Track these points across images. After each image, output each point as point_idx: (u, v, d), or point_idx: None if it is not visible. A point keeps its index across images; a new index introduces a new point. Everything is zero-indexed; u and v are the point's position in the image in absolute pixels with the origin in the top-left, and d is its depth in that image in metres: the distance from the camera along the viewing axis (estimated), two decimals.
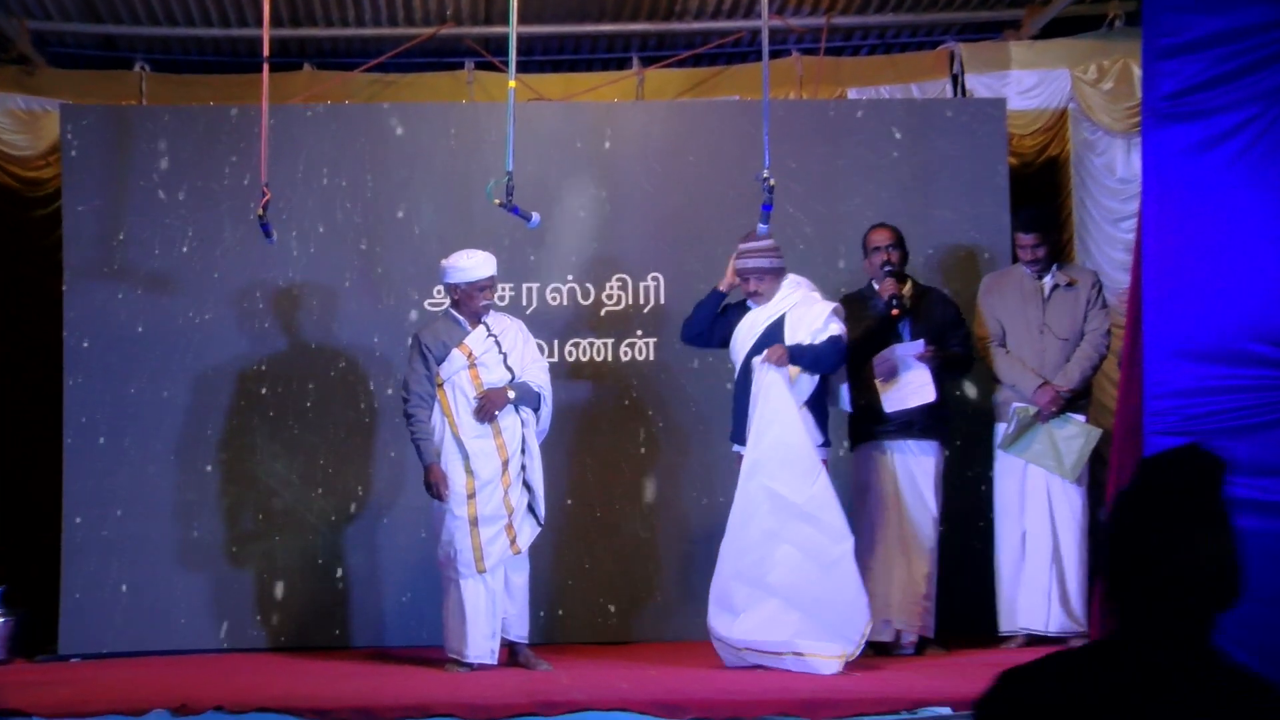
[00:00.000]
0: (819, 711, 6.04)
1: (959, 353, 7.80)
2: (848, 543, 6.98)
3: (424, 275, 8.40)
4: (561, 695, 6.28)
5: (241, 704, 6.15)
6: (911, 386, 7.57)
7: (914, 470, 7.65)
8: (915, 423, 7.62)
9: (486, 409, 7.27)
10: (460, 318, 7.41)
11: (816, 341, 7.31)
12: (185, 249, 8.40)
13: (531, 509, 7.36)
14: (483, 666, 7.19)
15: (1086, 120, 9.05)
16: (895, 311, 7.61)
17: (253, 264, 8.40)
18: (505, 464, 7.28)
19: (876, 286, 7.78)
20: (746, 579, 7.05)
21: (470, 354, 7.33)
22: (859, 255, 8.01)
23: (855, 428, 7.81)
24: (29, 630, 8.19)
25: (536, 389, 7.40)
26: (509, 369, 7.36)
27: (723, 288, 7.55)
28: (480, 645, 7.20)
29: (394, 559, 8.34)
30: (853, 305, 7.79)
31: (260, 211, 7.40)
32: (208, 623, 8.27)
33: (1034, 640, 7.66)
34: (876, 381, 7.58)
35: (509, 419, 7.32)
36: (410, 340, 7.52)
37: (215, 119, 8.52)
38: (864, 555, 7.52)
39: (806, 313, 7.40)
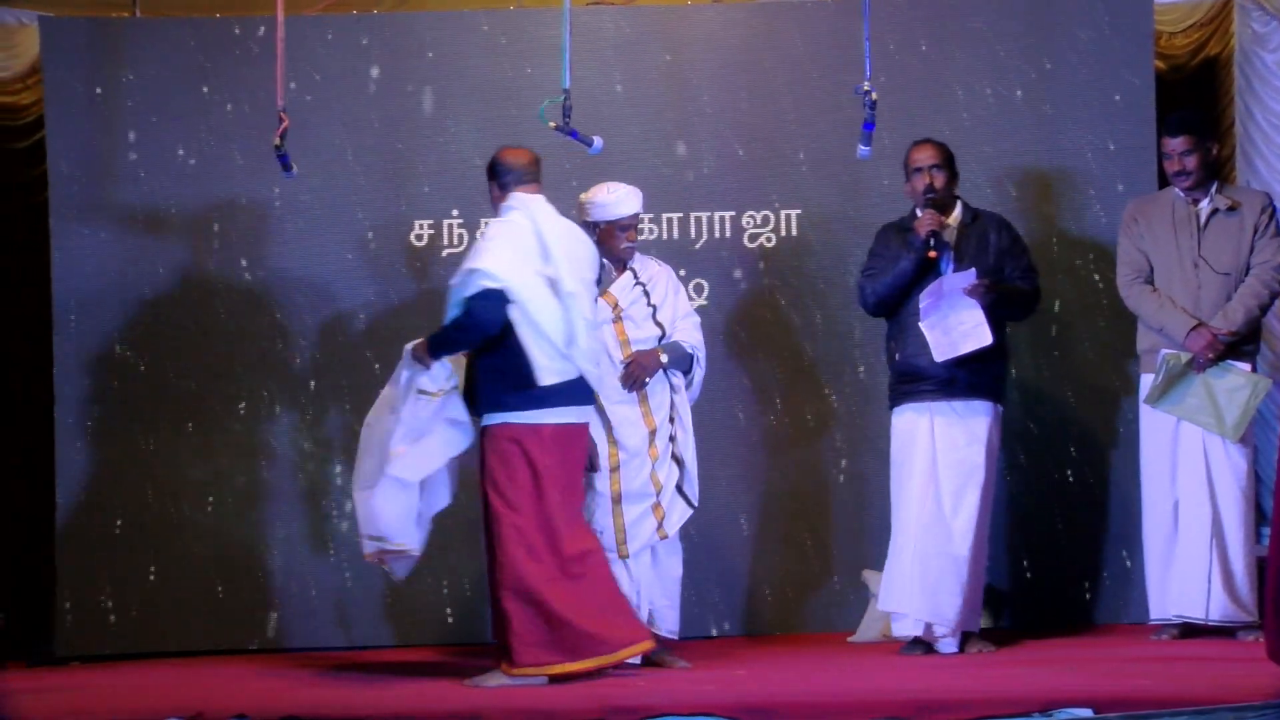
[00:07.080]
0: (933, 714, 6.06)
1: (1020, 286, 7.58)
2: None
3: (465, 211, 8.46)
4: (635, 700, 6.27)
5: (267, 712, 6.16)
6: (964, 328, 7.37)
7: (957, 437, 7.46)
8: (959, 379, 7.43)
9: (637, 375, 7.33)
10: (603, 261, 7.41)
11: None
12: (190, 186, 8.47)
13: (681, 488, 7.44)
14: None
15: (1257, 8, 8.83)
16: (933, 254, 7.42)
17: (269, 201, 8.48)
18: (652, 434, 7.37)
19: (920, 214, 7.58)
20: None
21: (616, 304, 7.39)
22: (965, 182, 7.96)
23: (891, 388, 7.70)
24: (19, 630, 8.29)
25: (689, 349, 7.47)
26: (658, 324, 7.42)
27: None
28: None
29: (457, 547, 8.35)
30: (890, 237, 7.65)
31: (278, 141, 7.45)
32: (229, 621, 8.38)
33: (1191, 630, 7.67)
34: (922, 326, 7.38)
35: (657, 383, 7.38)
36: None
37: (220, 33, 8.59)
38: (897, 536, 7.54)
39: None
